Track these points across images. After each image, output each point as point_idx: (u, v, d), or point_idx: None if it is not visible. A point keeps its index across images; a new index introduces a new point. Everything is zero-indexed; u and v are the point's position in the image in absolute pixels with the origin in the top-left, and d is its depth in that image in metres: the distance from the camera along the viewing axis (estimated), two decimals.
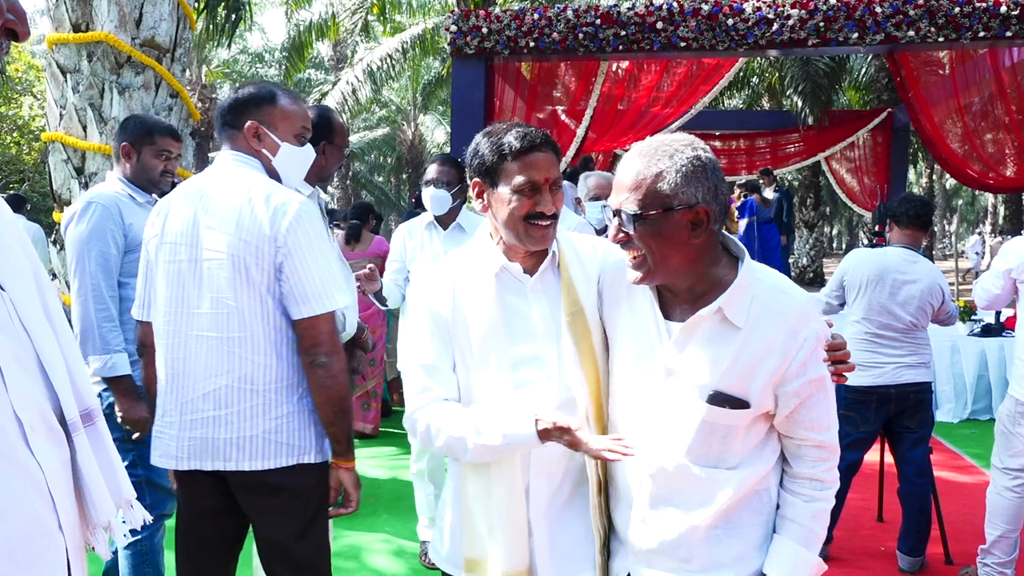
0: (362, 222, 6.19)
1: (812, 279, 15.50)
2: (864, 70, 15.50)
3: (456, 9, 7.15)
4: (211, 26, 10.11)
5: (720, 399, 1.49)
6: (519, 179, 1.63)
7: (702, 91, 8.36)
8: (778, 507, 1.61)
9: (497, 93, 7.84)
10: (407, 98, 24.81)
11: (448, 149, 15.48)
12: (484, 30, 6.89)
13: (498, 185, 1.66)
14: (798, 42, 6.40)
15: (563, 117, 8.72)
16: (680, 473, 1.54)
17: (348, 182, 23.35)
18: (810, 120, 11.97)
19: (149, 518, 1.03)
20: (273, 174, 2.17)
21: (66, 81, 4.64)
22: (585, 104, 8.19)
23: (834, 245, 42.91)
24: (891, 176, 11.85)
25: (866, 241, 13.75)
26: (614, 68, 8.69)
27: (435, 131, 27.48)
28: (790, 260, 13.10)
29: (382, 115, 26.69)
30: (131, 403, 2.65)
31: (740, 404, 1.49)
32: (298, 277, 1.96)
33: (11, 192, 10.68)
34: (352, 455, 2.11)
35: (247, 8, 10.84)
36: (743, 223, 10.27)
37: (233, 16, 9.81)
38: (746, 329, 1.49)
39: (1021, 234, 3.44)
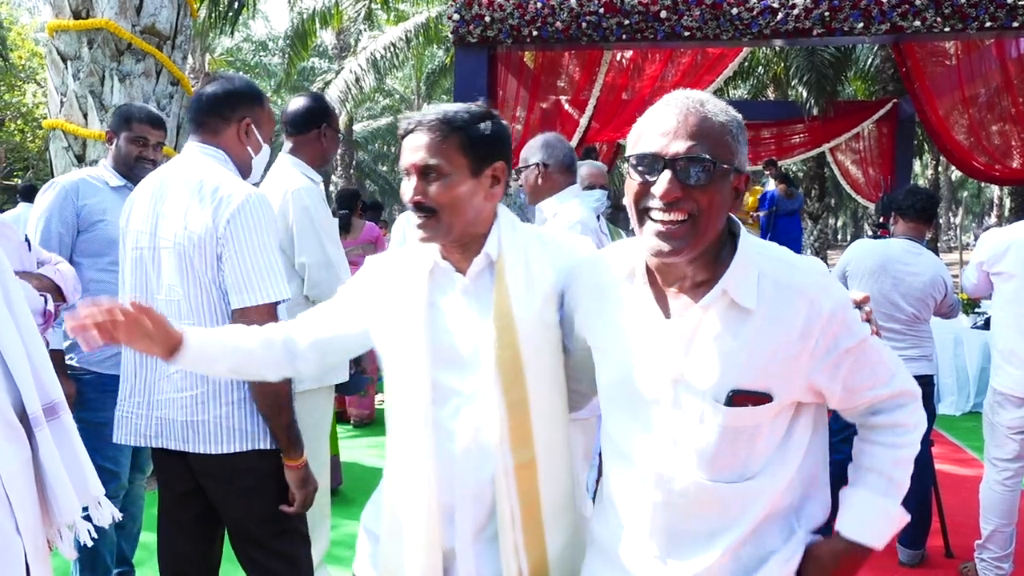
0: (350, 211, 6.18)
1: None
2: (870, 60, 15.40)
3: None
4: (214, 14, 10.07)
5: (741, 398, 1.29)
6: (401, 163, 1.52)
7: (706, 81, 8.28)
8: (851, 459, 1.46)
9: (500, 82, 7.80)
10: (411, 87, 24.75)
11: None
12: (486, 19, 6.85)
13: None
14: (803, 32, 6.34)
15: (567, 107, 8.67)
16: (701, 496, 1.34)
17: (352, 171, 23.29)
18: (815, 111, 11.89)
19: (119, 515, 0.99)
20: (244, 170, 2.19)
21: (67, 68, 4.63)
22: (588, 93, 8.14)
23: (839, 236, 42.77)
24: (896, 167, 11.78)
25: (871, 233, 13.69)
26: (618, 57, 8.62)
27: None
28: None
29: (386, 104, 26.63)
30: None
31: (763, 398, 1.30)
32: (234, 268, 1.97)
33: (23, 182, 10.68)
34: (296, 452, 2.08)
35: None
36: (762, 214, 10.05)
37: (236, 3, 9.78)
38: (759, 311, 1.29)
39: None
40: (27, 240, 2.46)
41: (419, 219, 1.49)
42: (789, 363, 1.30)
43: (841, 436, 3.70)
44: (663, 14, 6.53)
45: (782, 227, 9.94)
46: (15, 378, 0.85)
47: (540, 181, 3.09)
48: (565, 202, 3.13)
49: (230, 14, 9.93)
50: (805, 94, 12.11)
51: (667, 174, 1.25)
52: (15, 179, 15.80)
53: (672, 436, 1.35)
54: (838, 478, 4.05)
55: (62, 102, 4.63)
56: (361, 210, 6.70)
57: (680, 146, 1.25)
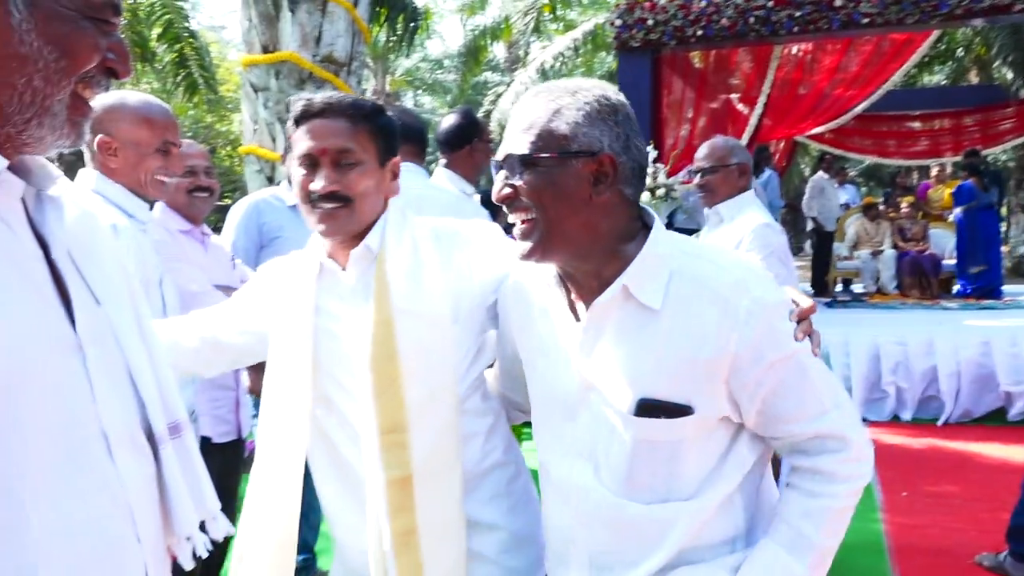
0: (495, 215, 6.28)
1: None
2: None
3: (621, 3, 7.06)
4: (392, 37, 10.67)
5: (651, 408, 1.16)
6: (299, 148, 1.36)
7: (891, 69, 7.69)
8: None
9: (665, 84, 7.68)
10: None
11: None
12: (649, 22, 6.78)
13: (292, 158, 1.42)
14: (1001, 8, 5.73)
15: (738, 104, 8.38)
16: (615, 516, 1.21)
17: None
18: (1023, 93, 10.71)
19: (232, 530, 1.06)
20: None
21: (258, 98, 5.10)
22: (759, 90, 7.82)
23: None
24: None
25: None
26: (794, 50, 8.22)
27: None
28: (1004, 249, 11.73)
29: None
30: (255, 374, 2.81)
31: (680, 411, 1.16)
32: None
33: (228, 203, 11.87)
34: None
35: (425, 17, 11.37)
36: (958, 211, 9.06)
37: (411, 25, 10.33)
38: (665, 312, 1.16)
39: None
40: (232, 259, 2.73)
41: (327, 209, 1.33)
42: (710, 373, 1.15)
43: None
44: (838, 2, 6.16)
45: (983, 222, 8.73)
46: (144, 400, 0.94)
47: (735, 181, 3.01)
48: (746, 208, 3.03)
49: (406, 35, 10.49)
50: (1012, 76, 10.95)
51: (501, 174, 1.21)
52: (226, 200, 17.49)
53: (588, 449, 1.23)
54: None
55: (255, 129, 5.12)
56: None
57: (502, 149, 1.21)
